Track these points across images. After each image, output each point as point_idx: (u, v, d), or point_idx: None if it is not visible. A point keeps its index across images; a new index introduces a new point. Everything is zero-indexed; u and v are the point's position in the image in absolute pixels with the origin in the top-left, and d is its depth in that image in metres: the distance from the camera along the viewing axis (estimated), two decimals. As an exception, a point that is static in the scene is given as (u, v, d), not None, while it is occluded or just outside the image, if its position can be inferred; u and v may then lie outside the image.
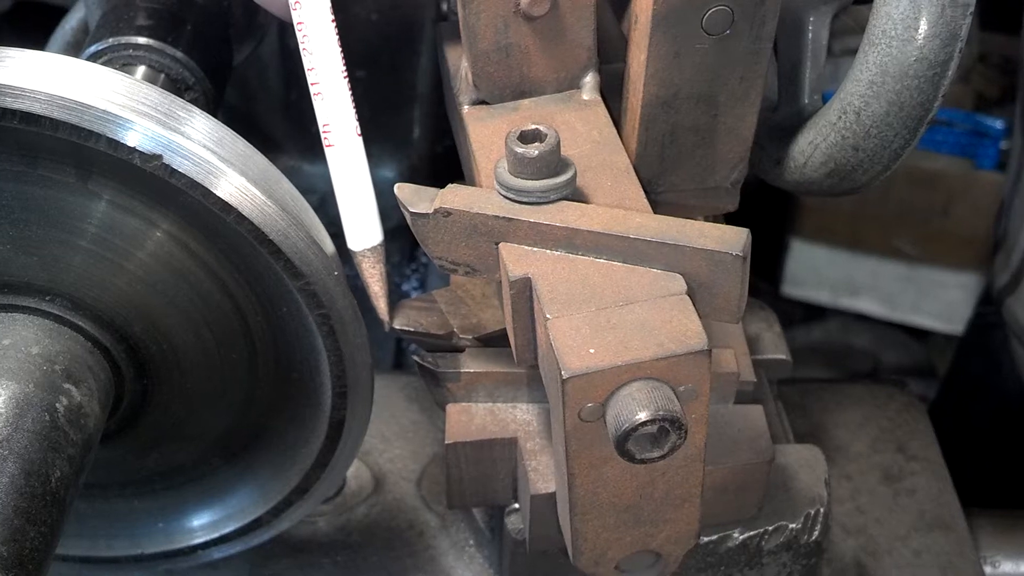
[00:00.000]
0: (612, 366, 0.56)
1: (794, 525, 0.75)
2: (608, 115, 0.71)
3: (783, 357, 0.84)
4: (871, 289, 1.60)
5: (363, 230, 0.70)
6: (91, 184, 0.63)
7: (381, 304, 0.72)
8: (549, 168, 0.62)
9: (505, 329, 0.70)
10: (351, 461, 0.75)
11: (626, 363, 0.57)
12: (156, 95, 0.62)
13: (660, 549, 0.67)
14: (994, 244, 1.15)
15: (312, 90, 0.69)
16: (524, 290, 0.62)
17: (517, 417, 0.73)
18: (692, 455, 0.61)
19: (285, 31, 1.12)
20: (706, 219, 0.81)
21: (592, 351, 0.57)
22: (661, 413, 0.56)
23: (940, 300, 1.56)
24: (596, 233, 0.61)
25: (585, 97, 0.72)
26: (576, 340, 0.58)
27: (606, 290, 0.60)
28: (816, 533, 0.76)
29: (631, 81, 0.71)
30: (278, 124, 1.20)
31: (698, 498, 0.64)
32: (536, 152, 0.61)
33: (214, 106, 0.85)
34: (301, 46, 0.69)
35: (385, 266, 0.71)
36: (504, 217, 0.62)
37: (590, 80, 0.72)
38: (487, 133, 0.70)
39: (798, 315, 1.67)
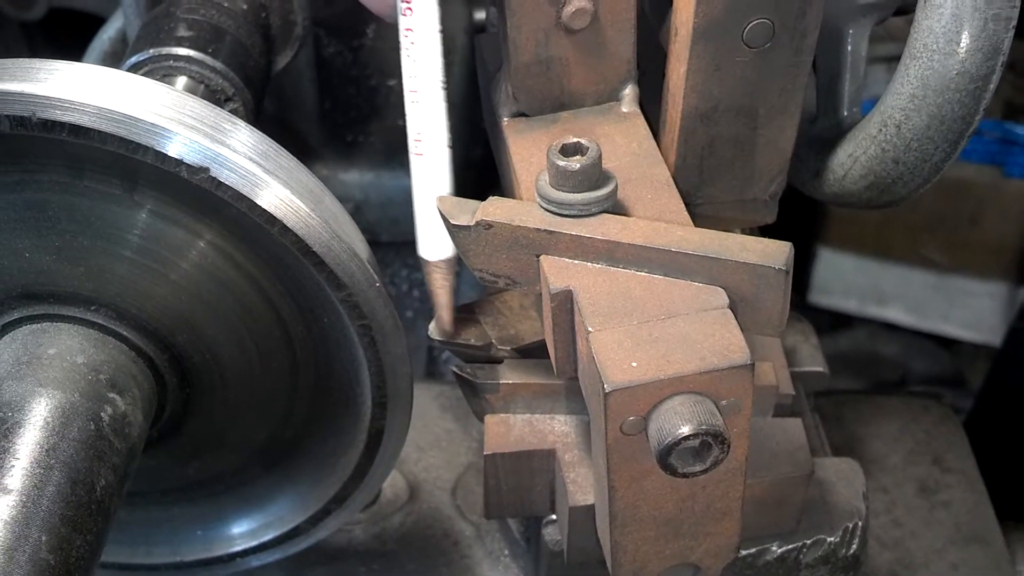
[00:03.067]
0: (655, 380, 0.57)
1: (832, 539, 0.75)
2: (647, 127, 0.72)
3: (820, 369, 0.84)
4: (899, 298, 1.59)
5: (438, 241, 0.70)
6: (137, 195, 0.64)
7: (446, 315, 0.72)
8: (590, 181, 0.62)
9: (543, 340, 0.71)
10: (389, 471, 0.75)
11: (669, 377, 0.57)
12: (202, 108, 0.63)
13: (699, 562, 0.67)
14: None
15: (408, 97, 0.69)
16: (565, 303, 0.62)
17: (555, 428, 0.73)
18: (733, 469, 0.61)
19: (320, 41, 1.13)
20: (742, 231, 0.82)
21: (634, 364, 0.57)
22: (704, 427, 0.56)
23: (969, 309, 1.55)
24: (637, 246, 0.61)
25: (624, 109, 0.73)
26: (618, 353, 0.58)
27: (648, 303, 0.60)
28: (854, 547, 0.76)
29: (670, 93, 0.72)
30: (313, 133, 1.21)
31: (739, 512, 0.64)
32: (578, 165, 0.62)
33: (254, 116, 0.86)
34: (404, 52, 0.68)
35: (456, 280, 0.71)
36: (545, 230, 0.63)
37: (629, 92, 0.72)
38: (527, 145, 0.71)
39: (825, 324, 1.66)
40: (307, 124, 1.21)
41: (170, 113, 0.61)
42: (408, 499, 0.92)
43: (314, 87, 1.19)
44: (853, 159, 0.75)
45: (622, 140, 0.70)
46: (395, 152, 1.22)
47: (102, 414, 0.63)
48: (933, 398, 1.03)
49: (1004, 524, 0.94)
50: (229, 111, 0.82)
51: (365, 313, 0.65)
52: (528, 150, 0.70)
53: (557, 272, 0.62)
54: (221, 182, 0.60)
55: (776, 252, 0.60)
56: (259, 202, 0.61)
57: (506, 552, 0.88)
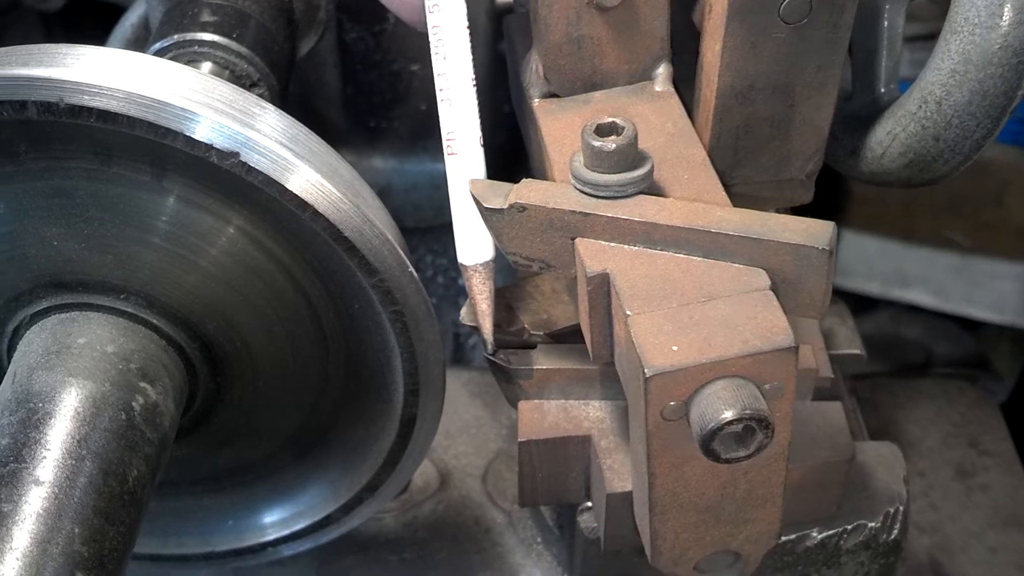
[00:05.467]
0: (696, 364, 0.55)
1: (873, 524, 0.74)
2: (682, 106, 0.70)
3: (858, 352, 0.82)
4: (922, 280, 1.57)
5: (476, 244, 0.69)
6: (166, 181, 0.63)
7: (487, 324, 0.70)
8: (626, 162, 0.61)
9: (577, 325, 0.70)
10: (421, 459, 0.74)
11: (710, 361, 0.55)
12: (231, 92, 0.62)
13: (740, 549, 0.66)
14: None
15: (440, 95, 0.68)
16: (602, 286, 0.61)
17: (590, 414, 0.72)
18: (776, 454, 0.60)
19: (342, 26, 1.12)
20: (777, 211, 0.81)
21: (675, 348, 0.56)
22: (748, 412, 0.55)
23: (993, 291, 1.53)
24: (676, 228, 0.60)
25: (658, 88, 0.71)
26: (658, 337, 0.57)
27: (687, 286, 0.59)
28: (895, 532, 0.75)
29: (705, 72, 0.70)
30: (336, 119, 1.19)
31: (780, 497, 0.63)
32: (613, 145, 0.60)
33: (279, 102, 0.85)
34: (433, 50, 0.67)
35: (495, 284, 0.70)
36: (581, 212, 0.61)
37: (663, 71, 0.71)
38: (559, 126, 0.69)
39: (848, 306, 1.65)
40: (330, 110, 1.20)
41: (199, 97, 0.60)
42: (439, 487, 0.91)
43: (336, 72, 1.17)
44: (892, 137, 0.73)
45: (656, 120, 0.69)
46: (418, 137, 1.20)
47: (133, 404, 0.63)
48: (968, 380, 1.02)
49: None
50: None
51: (397, 299, 0.64)
52: (560, 131, 0.69)
53: (593, 255, 0.61)
54: (251, 167, 0.59)
55: (819, 232, 0.59)
56: (290, 186, 0.60)
57: (539, 540, 0.87)
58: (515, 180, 0.67)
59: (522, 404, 0.73)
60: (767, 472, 0.61)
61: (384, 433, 0.73)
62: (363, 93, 1.18)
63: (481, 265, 0.69)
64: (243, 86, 0.81)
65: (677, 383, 0.56)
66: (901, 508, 0.75)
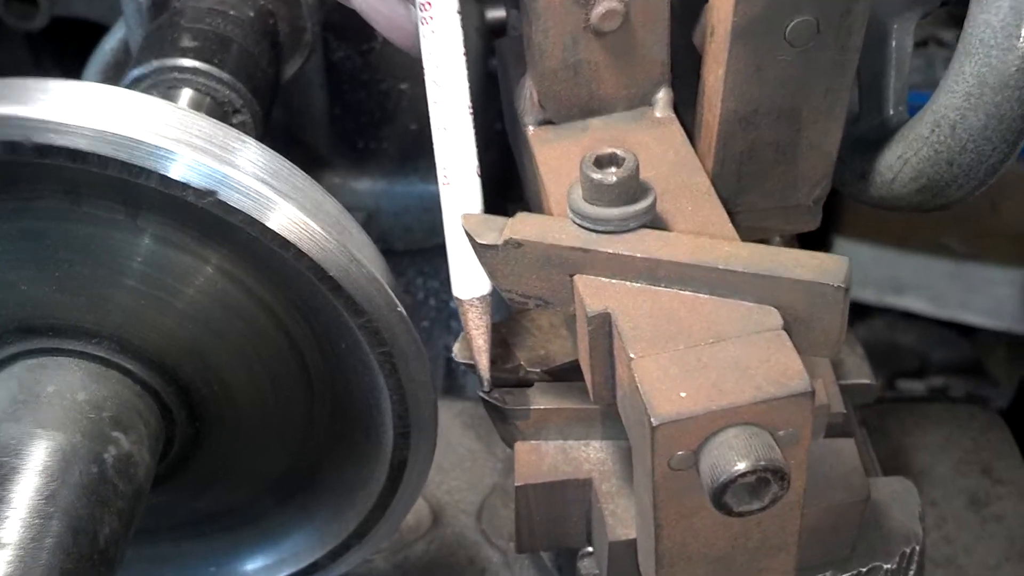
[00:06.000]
0: (706, 411, 0.52)
1: (888, 566, 0.70)
2: (683, 133, 0.67)
3: (867, 382, 0.79)
4: (918, 287, 1.55)
5: (472, 277, 0.65)
6: (140, 220, 0.60)
7: (483, 361, 0.67)
8: (628, 194, 0.58)
9: (576, 361, 0.66)
10: (413, 503, 0.71)
11: (721, 408, 0.52)
12: (208, 125, 0.58)
13: (750, 599, 0.62)
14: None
15: (434, 123, 0.65)
16: (603, 326, 0.57)
17: (591, 456, 0.68)
18: (791, 502, 0.56)
19: (329, 45, 1.09)
20: (781, 239, 0.77)
21: (683, 395, 0.52)
22: (762, 463, 0.51)
23: (989, 297, 1.51)
24: (681, 264, 0.57)
25: (658, 114, 0.68)
26: (664, 382, 0.53)
27: (694, 326, 0.56)
28: (911, 573, 0.71)
29: (707, 96, 0.67)
30: (323, 141, 1.16)
31: (795, 546, 0.60)
32: (614, 178, 0.57)
33: (263, 128, 0.82)
34: (428, 77, 0.64)
35: (492, 319, 0.67)
36: (581, 248, 0.58)
37: (663, 96, 0.68)
38: (555, 156, 0.66)
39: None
40: (317, 132, 1.17)
41: (174, 133, 0.56)
42: (431, 525, 0.87)
43: (323, 93, 1.15)
44: (903, 161, 0.70)
45: (657, 148, 0.66)
46: (408, 158, 1.18)
47: (105, 455, 0.59)
48: (978, 403, 0.98)
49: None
50: (237, 123, 0.78)
51: (386, 339, 0.61)
52: (557, 161, 0.66)
53: (594, 293, 0.58)
54: (230, 206, 0.56)
55: (834, 268, 0.55)
56: (271, 225, 0.57)
57: (537, 581, 0.83)
58: (507, 202, 0.64)
59: (519, 446, 0.69)
60: (781, 521, 0.58)
61: (373, 477, 0.69)
62: (351, 113, 1.15)
63: (478, 299, 0.66)
64: (225, 113, 0.78)
65: (685, 432, 0.52)
66: (917, 548, 0.71)
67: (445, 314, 1.26)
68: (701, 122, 0.69)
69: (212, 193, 0.55)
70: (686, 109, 0.70)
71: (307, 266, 0.58)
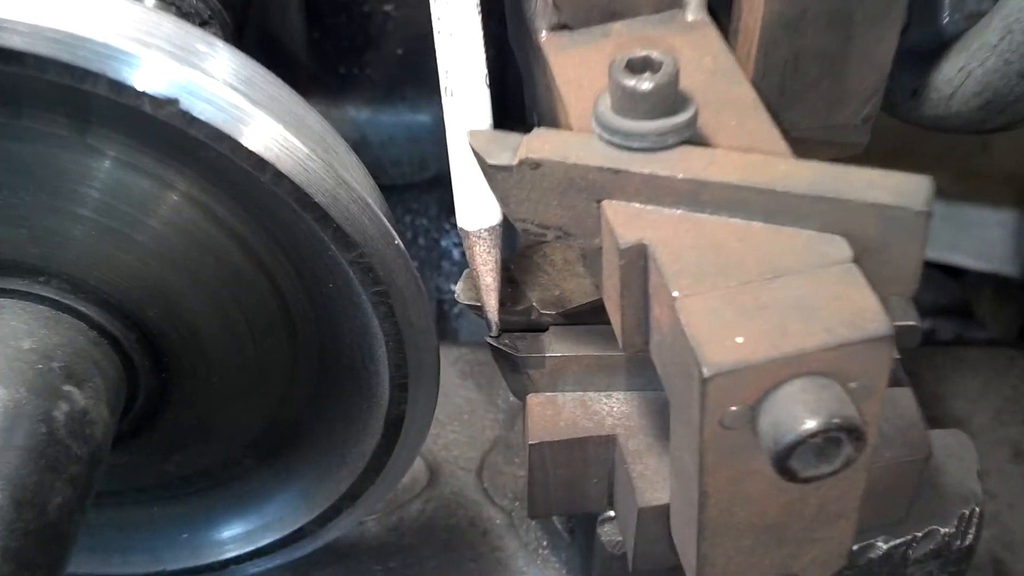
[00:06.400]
0: (768, 360, 0.44)
1: (946, 529, 0.63)
2: (722, 38, 0.58)
3: (913, 323, 0.71)
4: (906, 228, 1.50)
5: (479, 205, 0.57)
6: (89, 137, 0.50)
7: (492, 301, 0.59)
8: (666, 105, 0.49)
9: (595, 302, 0.58)
10: (411, 462, 0.63)
11: (786, 356, 0.44)
12: (169, 24, 0.49)
13: (802, 572, 0.55)
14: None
15: (436, 25, 0.56)
16: (638, 260, 0.49)
17: (614, 409, 0.60)
18: (857, 464, 0.48)
19: (306, -43, 1.00)
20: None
21: (739, 340, 0.44)
22: (836, 420, 0.43)
23: (978, 239, 1.47)
24: (731, 186, 0.48)
25: (690, 17, 0.59)
26: (716, 326, 0.45)
27: (747, 259, 0.47)
28: (970, 537, 0.64)
29: (747, -4, 0.58)
30: (302, 66, 1.07)
31: (856, 512, 0.52)
32: (651, 84, 0.48)
33: (234, 44, 0.72)
34: None
35: (501, 252, 0.58)
36: (610, 168, 0.49)
37: (696, -5, 0.59)
38: (573, 64, 0.57)
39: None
40: (295, 57, 1.08)
41: (127, 30, 0.47)
42: (427, 483, 0.79)
43: (301, 15, 1.06)
44: (965, 74, 0.62)
45: (692, 54, 0.57)
46: (395, 85, 1.09)
47: (56, 413, 0.51)
48: (1018, 349, 0.91)
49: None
50: (203, 33, 0.69)
51: (381, 277, 0.53)
52: (575, 70, 0.57)
53: (626, 221, 0.49)
54: (195, 117, 0.47)
55: (913, 188, 0.47)
56: (244, 141, 0.48)
57: (545, 544, 0.76)
58: (506, 120, 0.55)
59: (531, 398, 0.61)
60: (845, 485, 0.50)
61: (366, 434, 0.61)
62: (331, 37, 1.07)
63: (486, 231, 0.58)
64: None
65: (742, 384, 0.44)
66: (977, 510, 0.64)
67: (436, 254, 1.17)
68: (738, 28, 0.60)
69: (173, 101, 0.46)
70: (720, 13, 0.61)
71: (287, 191, 0.49)
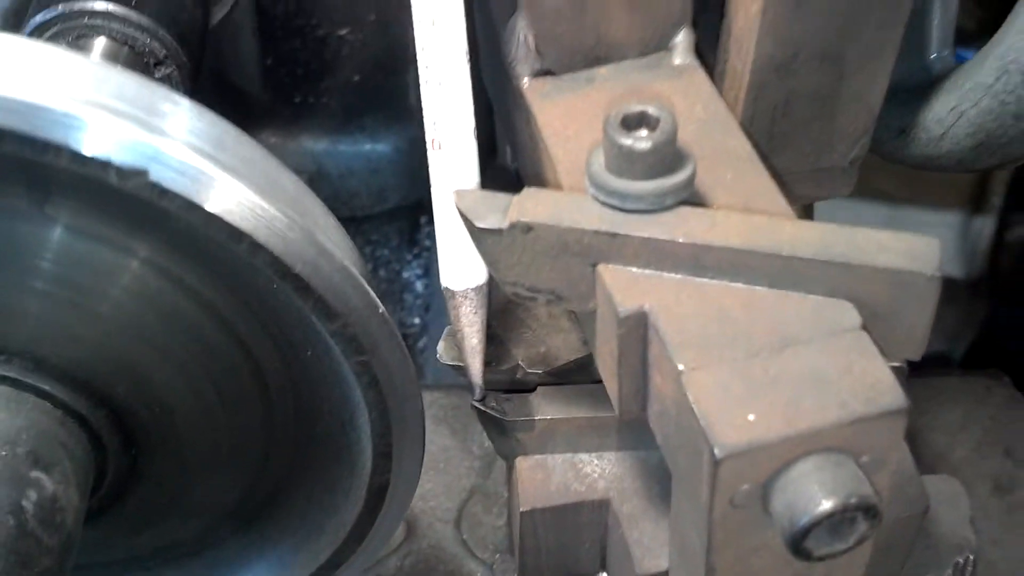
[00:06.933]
0: (782, 439, 0.42)
1: (942, 580, 0.62)
2: (711, 84, 0.56)
3: (898, 364, 0.69)
4: (852, 232, 1.50)
5: (466, 264, 0.54)
6: (49, 207, 0.47)
7: (477, 364, 0.56)
8: (664, 164, 0.47)
9: (582, 359, 0.56)
10: (394, 530, 0.60)
11: (800, 433, 0.42)
12: (133, 85, 0.46)
13: (805, 639, 0.53)
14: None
15: (423, 74, 0.53)
16: (637, 328, 0.47)
17: (605, 471, 0.58)
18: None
19: (260, -16, 0.96)
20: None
21: (751, 418, 0.42)
22: (853, 500, 0.41)
23: None
24: (735, 250, 0.46)
25: (677, 61, 0.57)
26: (726, 402, 0.43)
27: (754, 328, 0.45)
28: (966, 586, 0.62)
29: (734, 38, 0.56)
30: (256, 95, 1.04)
31: (861, 579, 0.50)
32: (649, 144, 0.46)
33: (191, 83, 0.69)
34: (417, 17, 0.52)
35: (487, 312, 0.55)
36: (607, 232, 0.47)
37: (683, 39, 0.57)
38: (559, 114, 0.55)
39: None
40: (249, 85, 1.04)
41: (90, 95, 0.44)
42: (405, 537, 0.76)
43: (255, 41, 1.02)
44: (957, 114, 0.60)
45: (682, 103, 0.55)
46: (352, 114, 1.06)
47: (24, 503, 0.47)
48: (994, 377, 0.90)
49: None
50: (161, 77, 0.66)
51: (364, 347, 0.50)
52: (561, 120, 0.54)
53: (625, 287, 0.47)
54: (166, 188, 0.43)
55: (924, 251, 0.45)
56: (218, 212, 0.45)
57: (528, 598, 0.73)
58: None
59: (520, 462, 0.58)
60: (851, 556, 0.48)
61: (347, 503, 0.58)
62: (285, 64, 1.03)
63: (472, 290, 0.55)
64: (147, 66, 0.66)
65: (756, 464, 0.42)
66: (971, 557, 0.63)
67: (397, 286, 1.15)
68: (725, 70, 0.58)
69: (142, 172, 0.43)
70: (706, 53, 0.59)
71: (266, 261, 0.46)
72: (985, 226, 1.22)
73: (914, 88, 0.64)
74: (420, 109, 1.08)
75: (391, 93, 1.06)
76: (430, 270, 1.13)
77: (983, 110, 0.59)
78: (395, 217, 1.12)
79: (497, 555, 0.76)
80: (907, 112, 0.64)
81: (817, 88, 0.57)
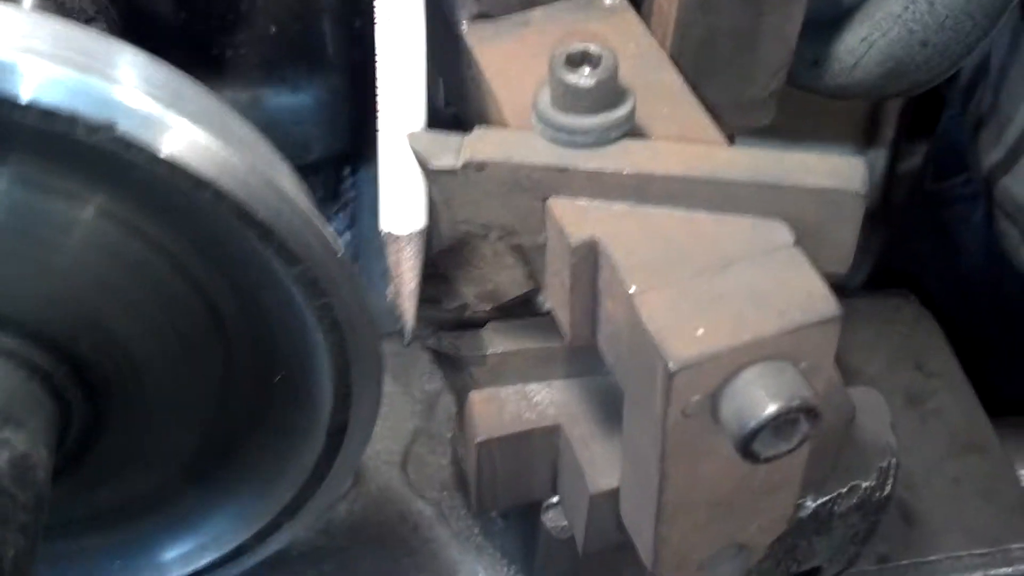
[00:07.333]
0: (729, 349, 0.45)
1: (867, 483, 0.66)
2: (642, 22, 0.59)
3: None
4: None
5: (407, 209, 0.56)
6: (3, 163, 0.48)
7: (412, 307, 0.58)
8: (607, 99, 0.49)
9: (528, 294, 0.58)
10: (352, 471, 0.62)
11: (745, 343, 0.45)
12: (83, 36, 0.46)
13: (748, 541, 0.56)
14: (976, 120, 1.06)
15: (379, 17, 0.54)
16: (588, 257, 0.49)
17: (555, 398, 0.61)
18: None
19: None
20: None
21: (700, 332, 0.45)
22: (796, 402, 0.45)
23: None
24: (676, 178, 0.49)
25: (607, 2, 0.59)
26: (676, 319, 0.46)
27: (697, 250, 0.48)
28: (888, 488, 0.67)
29: (660, -21, 0.59)
30: (172, 50, 1.02)
31: (798, 482, 0.54)
32: (593, 80, 0.48)
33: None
34: None
35: (423, 258, 0.57)
36: (556, 166, 0.49)
37: (611, -19, 0.59)
38: (500, 56, 0.57)
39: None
40: (165, 40, 1.02)
41: (44, 47, 0.44)
42: (353, 482, 0.78)
43: (170, -5, 1.00)
44: (868, 44, 0.64)
45: (615, 40, 0.57)
46: (273, 66, 1.05)
47: (-4, 460, 0.48)
48: (902, 296, 0.95)
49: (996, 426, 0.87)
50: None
51: (325, 290, 0.51)
52: (503, 62, 0.56)
53: (575, 218, 0.49)
54: (131, 141, 0.44)
55: (850, 171, 0.49)
56: (184, 163, 0.46)
57: (477, 531, 0.76)
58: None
59: (474, 395, 0.61)
60: (789, 458, 0.52)
61: (306, 445, 0.60)
62: (199, 16, 1.02)
63: (417, 235, 0.57)
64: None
65: (706, 374, 0.45)
66: (893, 461, 0.67)
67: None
68: (651, 10, 0.61)
69: (109, 127, 0.44)
70: (630, -2, 0.61)
71: (229, 208, 0.47)
72: (878, 158, 1.26)
73: (825, 21, 0.67)
74: (340, 59, 1.08)
75: (309, 44, 1.06)
76: (356, 220, 1.14)
77: (893, 39, 0.62)
78: (319, 169, 1.12)
79: (444, 492, 0.78)
80: (819, 44, 0.67)
81: (737, 24, 0.60)
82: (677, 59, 0.60)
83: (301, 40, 1.04)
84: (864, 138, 1.37)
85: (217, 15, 1.02)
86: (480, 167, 0.50)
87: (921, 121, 1.22)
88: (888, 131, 1.24)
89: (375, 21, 0.63)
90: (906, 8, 0.61)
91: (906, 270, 1.30)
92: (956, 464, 0.84)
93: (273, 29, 1.03)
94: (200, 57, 1.03)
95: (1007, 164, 1.01)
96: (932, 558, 0.77)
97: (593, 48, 0.49)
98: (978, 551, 0.77)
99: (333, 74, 1.05)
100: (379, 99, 0.55)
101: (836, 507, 0.66)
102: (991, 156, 1.03)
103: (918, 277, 1.24)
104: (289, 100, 1.05)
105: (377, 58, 0.55)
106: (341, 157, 1.11)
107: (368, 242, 1.10)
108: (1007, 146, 1.00)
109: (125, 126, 0.44)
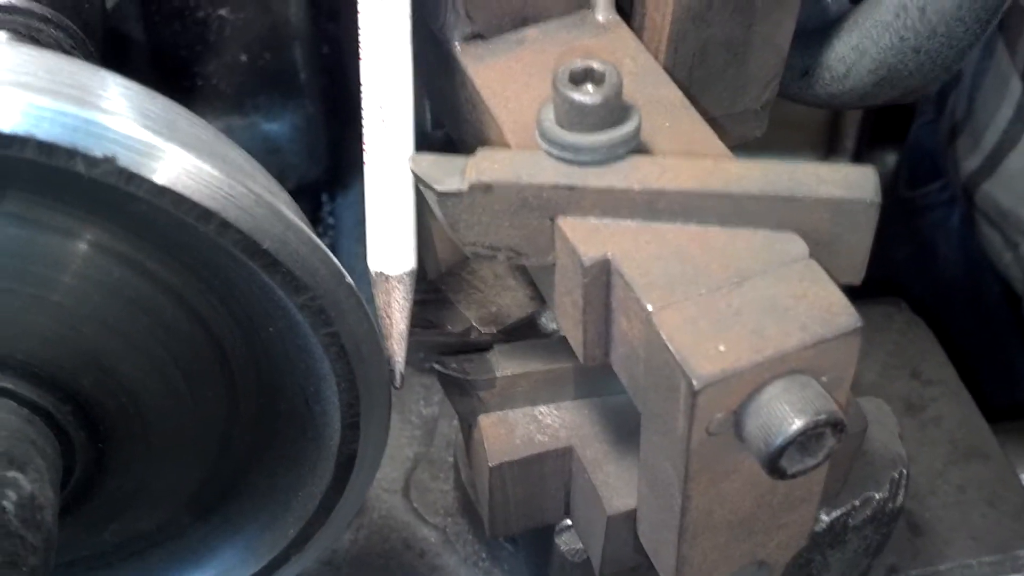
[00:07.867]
0: (753, 364, 0.44)
1: (880, 495, 0.66)
2: (636, 38, 0.58)
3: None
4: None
5: (397, 248, 0.54)
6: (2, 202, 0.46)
7: (401, 350, 0.56)
8: (613, 115, 0.49)
9: (532, 315, 0.57)
10: (361, 500, 0.60)
11: (768, 358, 0.44)
12: (74, 68, 0.45)
13: (768, 557, 0.56)
14: (951, 127, 1.07)
15: (364, 48, 0.53)
16: (601, 275, 0.48)
17: (565, 420, 0.60)
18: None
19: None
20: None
21: (722, 348, 0.44)
22: (822, 416, 0.44)
23: None
24: (687, 193, 0.48)
25: (600, 18, 0.59)
26: (696, 336, 0.45)
27: (711, 265, 0.47)
28: (900, 498, 0.67)
29: (654, -6, 0.58)
30: (145, 81, 1.01)
31: (819, 495, 0.54)
32: (599, 98, 0.48)
33: (103, 73, 0.68)
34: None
35: (414, 299, 0.55)
36: (565, 185, 0.49)
37: (605, -4, 0.59)
38: (496, 76, 0.56)
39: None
40: (136, 72, 1.01)
41: (39, 82, 0.43)
42: (356, 512, 0.77)
43: (140, 27, 1.00)
44: (859, 52, 0.64)
45: (612, 57, 0.56)
46: (244, 95, 1.05)
47: (5, 503, 0.46)
48: (892, 304, 0.95)
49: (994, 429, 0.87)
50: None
51: (332, 318, 0.50)
52: (500, 81, 0.56)
53: (586, 237, 0.49)
54: (133, 174, 0.43)
55: (861, 181, 0.48)
56: (189, 194, 0.45)
57: (484, 556, 0.75)
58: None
59: (483, 419, 0.60)
60: (811, 473, 0.51)
61: (313, 476, 0.58)
62: (168, 48, 1.01)
63: (406, 275, 0.55)
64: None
65: (730, 391, 0.45)
66: (904, 471, 0.67)
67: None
68: (643, 24, 0.60)
69: (110, 160, 0.43)
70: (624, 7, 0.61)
71: (234, 240, 0.46)
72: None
73: (813, 31, 0.67)
74: (312, 87, 1.07)
75: (281, 72, 1.05)
76: (336, 248, 1.13)
77: (885, 47, 0.62)
78: (297, 197, 1.11)
79: (449, 518, 0.77)
80: (809, 54, 0.67)
81: (730, 35, 0.60)
82: (671, 73, 0.60)
83: (272, 68, 1.03)
84: (825, 147, 1.38)
85: (186, 44, 1.01)
86: (487, 188, 0.49)
87: (890, 129, 1.23)
88: (848, 141, 1.25)
89: (346, 48, 0.63)
90: (897, 16, 0.61)
91: (884, 277, 1.31)
92: (959, 471, 0.84)
93: (244, 58, 1.03)
94: (172, 87, 1.02)
95: (986, 170, 1.02)
96: (942, 567, 0.77)
97: (596, 65, 0.48)
98: (987, 558, 0.77)
99: (307, 101, 1.05)
100: (364, 125, 0.54)
101: (851, 520, 0.66)
102: (969, 162, 1.03)
103: (896, 284, 1.25)
104: (264, 128, 1.04)
105: (359, 83, 0.54)
106: (319, 184, 1.10)
107: (349, 269, 1.09)
108: (985, 152, 1.01)
109: (126, 159, 0.43)
